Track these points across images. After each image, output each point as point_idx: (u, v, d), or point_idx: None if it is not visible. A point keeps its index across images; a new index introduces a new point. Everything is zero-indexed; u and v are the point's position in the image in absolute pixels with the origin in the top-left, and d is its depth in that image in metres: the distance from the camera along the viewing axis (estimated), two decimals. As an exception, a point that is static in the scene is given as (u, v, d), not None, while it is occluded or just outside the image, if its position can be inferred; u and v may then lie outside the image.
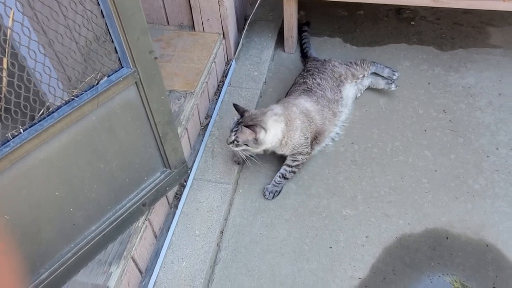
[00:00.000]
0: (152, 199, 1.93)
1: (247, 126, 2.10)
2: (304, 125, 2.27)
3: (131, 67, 1.51)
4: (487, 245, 2.07)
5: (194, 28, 2.80)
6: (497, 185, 2.27)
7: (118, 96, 1.51)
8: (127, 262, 1.83)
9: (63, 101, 1.35)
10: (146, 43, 1.50)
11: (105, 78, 1.44)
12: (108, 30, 1.37)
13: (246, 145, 2.14)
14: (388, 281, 1.98)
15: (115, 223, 1.79)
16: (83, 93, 1.39)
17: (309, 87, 2.49)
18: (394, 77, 2.72)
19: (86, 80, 1.37)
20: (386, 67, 2.75)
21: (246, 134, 2.11)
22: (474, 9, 2.87)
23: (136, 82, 1.56)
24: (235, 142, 2.14)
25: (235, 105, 2.21)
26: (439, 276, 1.99)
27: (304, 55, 2.94)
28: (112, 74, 1.46)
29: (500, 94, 2.67)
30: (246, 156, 2.20)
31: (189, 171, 2.12)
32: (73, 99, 1.36)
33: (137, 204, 1.85)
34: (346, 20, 3.26)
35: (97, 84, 1.42)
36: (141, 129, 1.68)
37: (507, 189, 2.25)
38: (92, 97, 1.42)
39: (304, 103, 2.37)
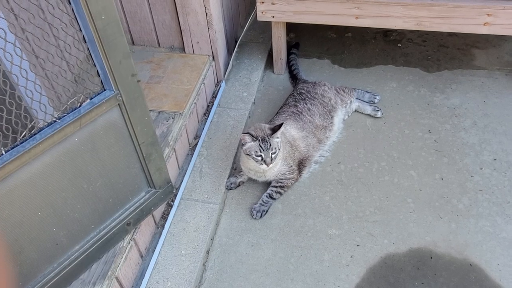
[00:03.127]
0: (137, 219, 1.95)
1: (275, 128, 2.15)
2: (288, 155, 2.33)
3: (114, 89, 1.55)
4: (470, 265, 2.08)
5: (185, 50, 2.86)
6: (480, 205, 2.29)
7: (101, 118, 1.55)
8: (111, 282, 1.83)
9: (46, 123, 1.39)
10: (129, 67, 1.55)
11: (88, 100, 1.48)
12: (91, 54, 1.41)
13: (279, 149, 2.17)
14: (372, 301, 1.99)
15: (99, 242, 1.80)
16: (65, 115, 1.43)
17: (299, 110, 2.53)
18: (376, 101, 2.79)
19: (69, 103, 1.41)
20: (367, 92, 2.82)
21: (279, 133, 2.15)
22: (461, 33, 2.94)
23: (119, 104, 1.60)
24: (273, 155, 2.13)
25: (249, 133, 2.15)
26: (423, 296, 2.00)
27: (293, 77, 3.00)
28: (95, 96, 1.50)
29: (484, 115, 2.72)
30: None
31: (175, 191, 2.15)
32: (55, 121, 1.39)
33: (122, 223, 1.87)
34: (335, 42, 3.32)
35: (79, 106, 1.46)
36: (125, 150, 1.71)
37: (491, 209, 2.27)
38: (75, 119, 1.46)
39: (290, 130, 2.42)
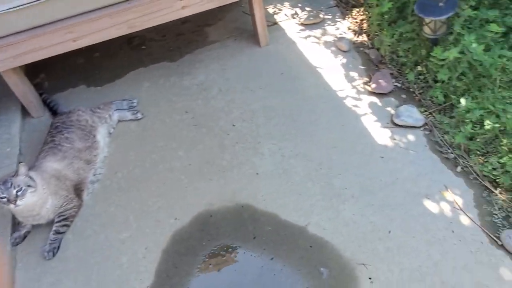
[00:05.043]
0: None
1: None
2: (58, 187, 2.40)
3: None
4: (242, 206, 2.42)
5: None
6: (239, 155, 2.65)
7: None
8: None
9: None
10: None
11: None
12: None
13: (29, 185, 2.23)
14: (171, 276, 2.20)
15: None
16: None
17: (56, 143, 2.61)
18: (134, 104, 2.99)
19: None
20: (124, 100, 3.00)
21: (22, 171, 2.23)
22: (192, 17, 3.25)
23: None
24: (19, 193, 2.18)
25: None
26: (212, 250, 2.27)
27: (54, 113, 3.04)
28: None
29: (225, 80, 3.10)
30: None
31: None
32: None
33: None
34: (86, 66, 3.43)
35: None
36: None
37: (247, 155, 2.64)
38: None
39: (51, 164, 2.49)
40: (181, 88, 3.11)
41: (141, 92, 3.14)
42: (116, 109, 2.96)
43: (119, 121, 2.96)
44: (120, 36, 2.85)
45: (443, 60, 2.52)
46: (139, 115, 2.94)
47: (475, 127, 2.39)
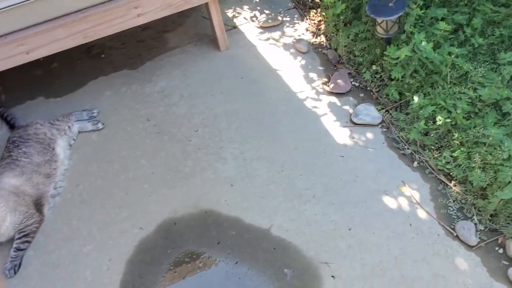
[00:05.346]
0: None
1: None
2: (17, 204, 2.36)
3: None
4: (206, 212, 2.43)
5: None
6: (202, 161, 2.66)
7: None
8: None
9: None
10: None
11: None
12: None
13: None
14: (137, 286, 2.19)
15: None
16: None
17: (13, 158, 2.56)
18: (95, 115, 2.95)
19: None
20: (84, 110, 2.96)
21: None
22: (151, 24, 3.22)
23: None
24: None
25: None
26: (177, 258, 2.27)
27: (12, 126, 2.97)
28: None
29: (187, 85, 3.10)
30: None
31: None
32: None
33: None
34: (44, 77, 3.36)
35: None
36: None
37: (210, 160, 2.65)
38: None
39: (8, 180, 2.44)
40: (143, 96, 3.10)
41: (102, 101, 3.10)
42: (76, 120, 2.92)
43: (79, 132, 2.92)
44: (79, 46, 2.81)
45: (396, 58, 2.58)
46: (100, 125, 2.91)
47: (428, 122, 2.47)
